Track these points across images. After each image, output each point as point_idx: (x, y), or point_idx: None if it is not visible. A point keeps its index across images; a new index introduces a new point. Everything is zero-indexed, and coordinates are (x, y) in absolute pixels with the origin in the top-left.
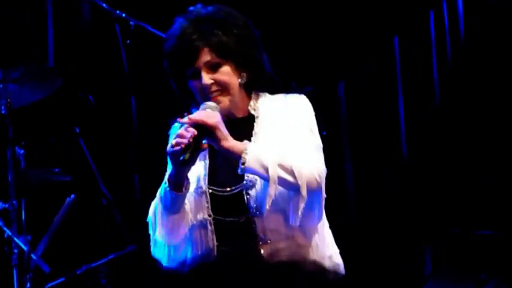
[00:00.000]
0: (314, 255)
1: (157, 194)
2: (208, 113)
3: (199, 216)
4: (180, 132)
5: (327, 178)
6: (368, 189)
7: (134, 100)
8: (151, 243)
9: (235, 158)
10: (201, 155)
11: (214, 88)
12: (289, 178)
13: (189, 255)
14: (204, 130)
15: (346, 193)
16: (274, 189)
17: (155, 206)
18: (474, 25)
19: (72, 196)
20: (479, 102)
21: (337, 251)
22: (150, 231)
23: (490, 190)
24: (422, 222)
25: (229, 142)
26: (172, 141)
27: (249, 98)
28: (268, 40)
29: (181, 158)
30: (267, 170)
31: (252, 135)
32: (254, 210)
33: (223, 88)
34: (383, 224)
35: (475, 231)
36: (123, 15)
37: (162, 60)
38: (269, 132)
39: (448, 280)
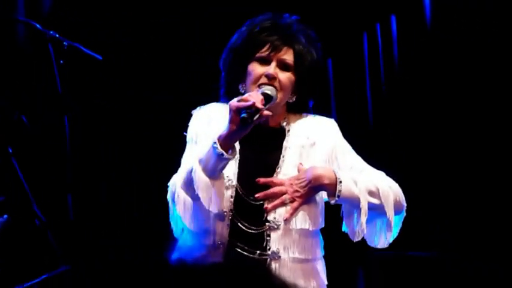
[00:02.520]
0: (316, 282)
1: (193, 160)
2: None
3: (220, 207)
4: (251, 93)
5: None
6: None
7: (67, 120)
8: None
9: (324, 187)
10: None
11: (275, 83)
12: (377, 201)
13: (198, 243)
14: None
15: None
16: (365, 218)
17: (190, 170)
18: (408, 47)
19: (5, 216)
20: (411, 125)
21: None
22: (175, 196)
23: (423, 211)
24: (355, 243)
25: (319, 169)
26: (240, 97)
27: (284, 115)
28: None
29: (242, 116)
30: (358, 199)
31: (281, 148)
32: (273, 223)
33: (281, 88)
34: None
35: (408, 253)
36: (57, 35)
37: (97, 80)
38: (300, 148)
39: None
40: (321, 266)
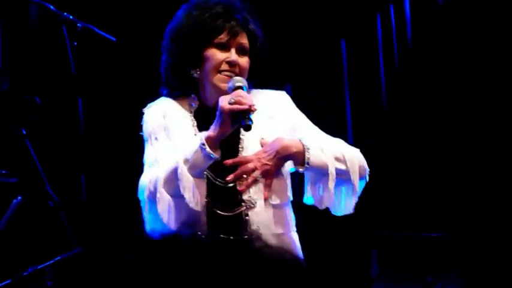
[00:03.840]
0: (292, 255)
1: (173, 160)
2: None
3: (202, 203)
4: (241, 93)
5: None
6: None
7: (81, 102)
8: (148, 208)
9: (292, 156)
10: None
11: (237, 70)
12: (343, 167)
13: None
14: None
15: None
16: (333, 184)
17: (174, 170)
18: (421, 28)
19: (19, 198)
20: (426, 105)
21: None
22: (156, 194)
23: (435, 192)
24: (368, 225)
25: (286, 140)
26: (231, 99)
27: None
28: None
29: (244, 123)
30: (326, 166)
31: (240, 129)
32: (248, 203)
33: (242, 74)
34: (328, 225)
35: (422, 234)
36: (71, 17)
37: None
38: (259, 126)
39: (394, 283)
40: (295, 239)
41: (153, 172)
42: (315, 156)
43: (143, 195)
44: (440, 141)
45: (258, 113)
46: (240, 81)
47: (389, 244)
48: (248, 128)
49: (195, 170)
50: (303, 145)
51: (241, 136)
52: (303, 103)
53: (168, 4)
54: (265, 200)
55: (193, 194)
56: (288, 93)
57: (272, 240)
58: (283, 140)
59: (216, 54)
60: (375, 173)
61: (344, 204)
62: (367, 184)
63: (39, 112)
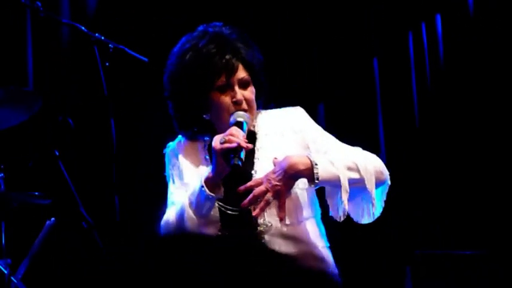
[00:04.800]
0: (310, 245)
1: (181, 203)
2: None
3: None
4: (233, 131)
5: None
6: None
7: (113, 122)
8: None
9: (301, 173)
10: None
11: (244, 105)
12: (357, 176)
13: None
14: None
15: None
16: (347, 195)
17: (181, 212)
18: (453, 45)
19: (52, 219)
20: (458, 122)
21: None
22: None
23: (472, 209)
24: (403, 242)
25: (293, 157)
26: (222, 138)
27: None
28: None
29: (233, 162)
30: (338, 178)
31: (254, 151)
32: (264, 226)
33: (250, 107)
34: (363, 242)
35: (457, 251)
36: (102, 38)
37: (142, 83)
38: (275, 145)
39: None
40: (324, 255)
41: (169, 214)
42: (324, 170)
43: (162, 234)
44: (475, 158)
45: (270, 133)
46: (241, 116)
47: (424, 262)
48: (236, 168)
49: (201, 211)
50: (311, 161)
51: (255, 160)
52: (335, 122)
53: (198, 22)
54: (281, 220)
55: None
56: (320, 112)
57: (293, 259)
58: (290, 158)
59: (221, 98)
60: (409, 190)
61: (363, 213)
62: (401, 201)
63: (72, 133)
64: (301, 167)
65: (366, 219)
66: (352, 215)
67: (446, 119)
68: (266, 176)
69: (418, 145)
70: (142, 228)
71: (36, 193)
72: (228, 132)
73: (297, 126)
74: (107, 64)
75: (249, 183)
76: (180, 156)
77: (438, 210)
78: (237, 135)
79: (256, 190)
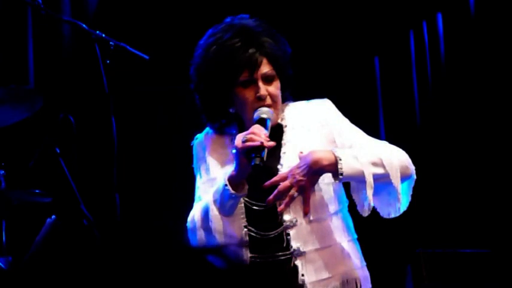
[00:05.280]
0: (346, 266)
1: (206, 200)
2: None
3: (237, 233)
4: (255, 129)
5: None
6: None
7: (114, 120)
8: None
9: (325, 169)
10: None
11: (268, 101)
12: (381, 171)
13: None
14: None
15: None
16: (371, 191)
17: (206, 210)
18: (454, 43)
19: (53, 217)
20: (459, 121)
21: (365, 263)
22: (196, 232)
23: (474, 208)
24: (404, 240)
25: (317, 153)
26: (244, 137)
27: (279, 112)
28: None
29: (254, 163)
30: (362, 173)
31: (280, 146)
32: (289, 222)
33: (274, 101)
34: (364, 241)
35: (459, 250)
36: (103, 35)
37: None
38: (302, 139)
39: None
40: (350, 248)
41: (195, 209)
42: (348, 166)
43: (188, 232)
44: (475, 157)
45: (297, 126)
46: (265, 112)
47: (425, 260)
48: (257, 168)
49: (226, 209)
50: (335, 156)
51: (281, 155)
52: None
53: (200, 20)
54: (305, 215)
55: (224, 233)
56: None
57: (317, 256)
58: (314, 153)
59: (245, 94)
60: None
61: (389, 208)
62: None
63: (73, 131)
64: (325, 163)
65: (392, 214)
66: (378, 210)
67: (447, 118)
68: (290, 171)
69: (419, 144)
70: (143, 227)
71: (37, 191)
72: (250, 130)
73: (324, 120)
74: (108, 62)
75: (274, 179)
76: (207, 150)
77: (439, 208)
78: (258, 134)
79: (281, 186)
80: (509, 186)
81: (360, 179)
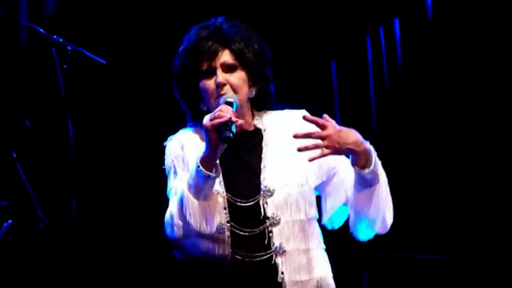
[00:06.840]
0: (322, 271)
1: (182, 187)
2: None
3: (215, 226)
4: (222, 107)
5: None
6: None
7: (71, 124)
8: (170, 231)
9: (360, 153)
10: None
11: (228, 89)
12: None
13: (202, 258)
14: None
15: None
16: (387, 192)
17: (181, 198)
18: (411, 49)
19: (10, 221)
20: (415, 127)
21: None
22: (174, 227)
23: (431, 213)
24: (361, 245)
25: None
26: (211, 115)
27: (253, 114)
28: None
29: (225, 135)
30: (378, 175)
31: (261, 147)
32: (272, 219)
33: (235, 91)
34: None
35: (416, 255)
36: (60, 40)
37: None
38: (280, 146)
39: None
40: (324, 256)
41: (171, 206)
42: (376, 162)
43: (167, 230)
44: (431, 163)
45: (279, 135)
46: (231, 97)
47: (382, 265)
48: (228, 140)
49: (201, 193)
50: (368, 148)
51: (263, 156)
52: None
53: (160, 25)
54: (311, 160)
55: (201, 218)
56: None
57: (297, 256)
58: (359, 135)
59: (206, 84)
60: None
61: (345, 220)
62: None
63: (29, 135)
64: (363, 148)
65: (336, 226)
66: (332, 217)
67: (404, 122)
68: (334, 130)
69: (375, 148)
70: (100, 229)
71: None
72: (217, 109)
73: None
74: (65, 66)
75: (315, 118)
76: (186, 147)
77: (395, 214)
78: (226, 111)
79: (317, 132)
80: (467, 190)
81: (374, 181)
